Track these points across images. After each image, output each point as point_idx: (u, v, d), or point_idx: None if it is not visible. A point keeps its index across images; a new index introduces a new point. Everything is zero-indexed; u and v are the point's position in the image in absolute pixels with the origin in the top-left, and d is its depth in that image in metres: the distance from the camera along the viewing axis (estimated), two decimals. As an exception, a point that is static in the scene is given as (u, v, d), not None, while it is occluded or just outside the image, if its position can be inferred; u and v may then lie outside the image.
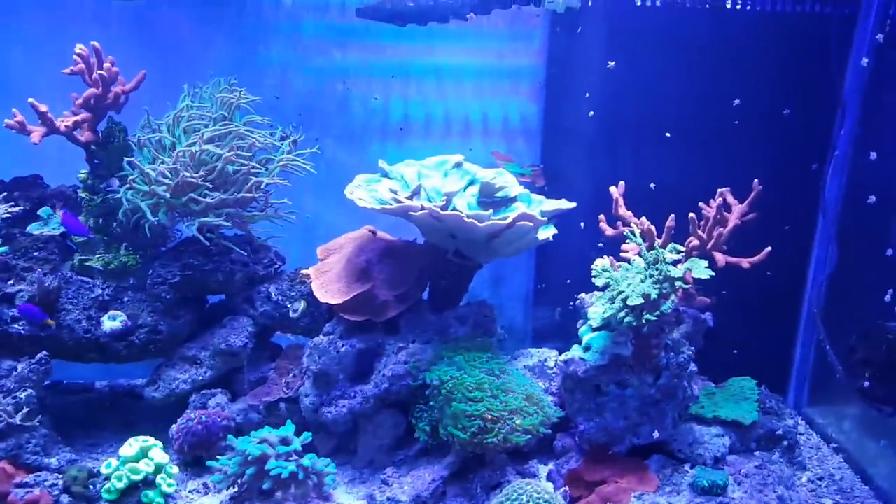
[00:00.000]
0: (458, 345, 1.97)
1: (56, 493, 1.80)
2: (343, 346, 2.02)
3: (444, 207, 1.88)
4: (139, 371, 2.45)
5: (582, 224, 2.21)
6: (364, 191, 1.98)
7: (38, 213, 2.15)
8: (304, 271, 2.28)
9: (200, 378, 2.13)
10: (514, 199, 2.17)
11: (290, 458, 1.83)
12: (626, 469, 1.86)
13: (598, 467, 1.88)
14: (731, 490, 1.81)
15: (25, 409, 1.86)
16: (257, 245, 2.24)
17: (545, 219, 1.93)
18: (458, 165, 2.26)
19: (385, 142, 2.77)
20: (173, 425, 2.07)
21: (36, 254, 2.06)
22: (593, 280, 1.76)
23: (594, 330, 1.81)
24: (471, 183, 2.22)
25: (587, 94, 2.32)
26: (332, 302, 2.03)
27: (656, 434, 1.80)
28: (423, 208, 1.81)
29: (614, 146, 2.39)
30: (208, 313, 2.28)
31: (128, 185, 2.01)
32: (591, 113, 2.29)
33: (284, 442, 1.89)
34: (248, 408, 2.13)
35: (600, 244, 2.16)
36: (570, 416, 1.97)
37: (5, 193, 2.08)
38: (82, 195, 2.13)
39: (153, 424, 2.31)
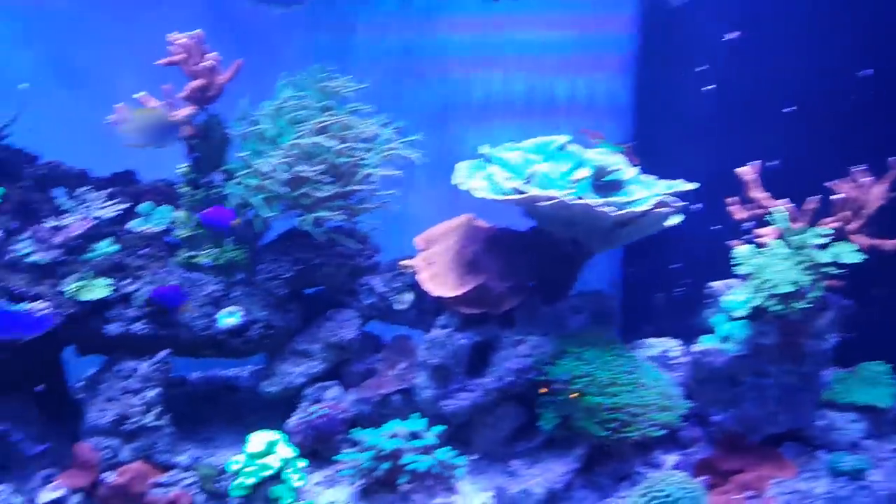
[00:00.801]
0: (583, 338, 1.99)
1: (194, 491, 1.88)
2: (460, 339, 2.04)
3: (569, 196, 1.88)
4: (221, 363, 2.51)
5: (699, 205, 2.19)
6: (478, 180, 1.97)
7: (137, 209, 2.17)
8: (403, 262, 2.29)
9: (313, 371, 2.17)
10: (623, 182, 2.16)
11: (426, 453, 1.89)
12: (761, 457, 1.89)
13: (731, 457, 1.91)
14: (869, 474, 1.85)
15: (158, 409, 1.93)
16: (359, 237, 2.26)
17: (680, 203, 1.92)
18: (561, 147, 2.24)
19: (465, 123, 2.74)
20: (290, 419, 2.13)
21: (144, 251, 2.08)
22: (736, 268, 1.76)
23: (733, 319, 1.82)
24: (578, 165, 2.21)
25: (705, 67, 2.26)
26: (447, 295, 2.05)
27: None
28: (551, 199, 1.80)
29: (730, 123, 2.34)
30: (307, 306, 2.31)
31: (236, 180, 2.03)
32: (709, 87, 2.24)
33: (414, 436, 1.95)
34: (359, 400, 2.19)
35: (717, 227, 2.15)
36: (698, 407, 2.01)
37: (109, 190, 2.10)
38: (183, 190, 2.14)
39: (258, 416, 2.39)
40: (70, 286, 1.88)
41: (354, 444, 2.03)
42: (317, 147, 1.95)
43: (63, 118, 2.22)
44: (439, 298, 2.12)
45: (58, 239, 1.90)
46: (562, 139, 2.23)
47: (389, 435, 1.94)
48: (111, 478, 1.84)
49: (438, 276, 2.10)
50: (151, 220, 2.15)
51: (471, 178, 1.99)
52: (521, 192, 1.82)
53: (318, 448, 2.13)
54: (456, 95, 2.65)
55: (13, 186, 1.96)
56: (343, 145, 1.94)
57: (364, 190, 2.05)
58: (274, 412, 2.28)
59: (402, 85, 2.59)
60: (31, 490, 1.83)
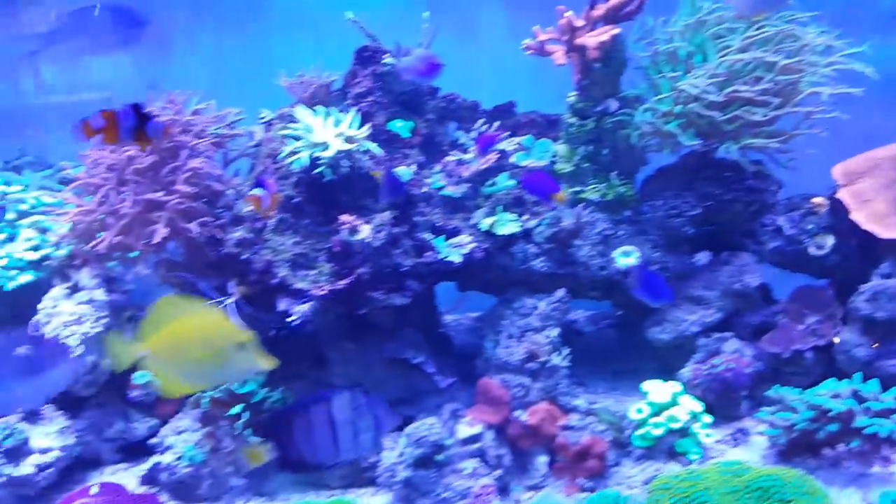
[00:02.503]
0: None
1: (608, 439, 1.93)
2: (917, 290, 1.85)
3: None
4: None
5: None
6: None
7: (520, 142, 2.22)
8: (816, 199, 2.11)
9: (708, 320, 2.10)
10: None
11: (880, 416, 1.75)
12: None
13: None
14: None
15: (566, 351, 1.99)
16: (765, 168, 2.11)
17: None
18: None
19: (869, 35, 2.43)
20: (684, 369, 2.09)
21: (533, 186, 2.14)
22: None
23: None
24: None
25: None
26: (905, 237, 1.85)
27: None
28: None
29: None
30: (695, 247, 2.21)
31: (645, 106, 1.97)
32: None
33: (859, 397, 1.82)
34: (758, 355, 2.09)
35: None
36: None
37: (498, 123, 2.16)
38: (570, 121, 2.14)
39: (621, 362, 2.42)
40: (482, 220, 1.97)
41: (767, 402, 1.95)
42: (754, 63, 1.82)
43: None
44: (878, 242, 1.93)
45: (466, 173, 1.99)
46: None
47: (831, 395, 1.82)
48: (523, 417, 1.95)
49: (885, 217, 1.90)
50: (534, 154, 2.18)
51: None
52: None
53: (716, 403, 2.08)
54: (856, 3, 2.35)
55: (419, 119, 2.09)
56: (791, 60, 1.78)
57: (799, 112, 1.89)
58: (631, 359, 2.33)
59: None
60: (444, 423, 1.98)
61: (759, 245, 2.12)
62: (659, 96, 1.91)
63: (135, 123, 1.32)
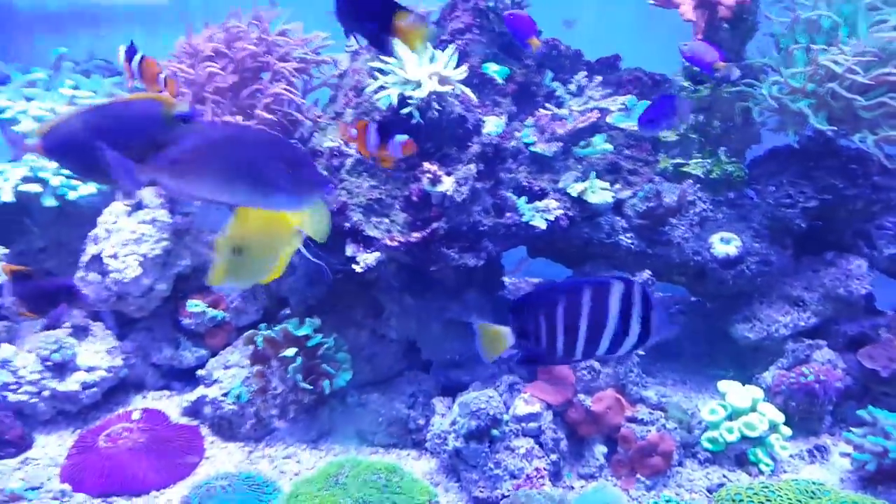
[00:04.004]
0: None
1: (677, 438, 1.86)
2: None
3: None
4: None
5: None
6: None
7: (623, 102, 2.09)
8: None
9: (802, 324, 1.99)
10: None
11: None
12: None
13: None
14: None
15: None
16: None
17: None
18: None
19: None
20: (766, 373, 2.01)
21: (628, 151, 2.02)
22: None
23: None
24: None
25: None
26: None
27: None
28: None
29: None
30: (797, 243, 2.10)
31: (774, 79, 1.83)
32: None
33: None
34: (849, 368, 1.98)
35: None
36: None
37: (600, 78, 2.03)
38: (682, 84, 2.01)
39: (689, 356, 2.35)
40: (572, 185, 1.88)
41: (852, 421, 1.87)
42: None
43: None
44: None
45: (560, 130, 1.89)
46: None
47: (931, 422, 1.73)
48: (588, 402, 1.89)
49: None
50: (634, 116, 2.04)
51: None
52: None
53: (797, 415, 1.99)
54: None
55: (517, 65, 1.97)
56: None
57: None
58: (704, 352, 2.27)
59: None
60: (500, 396, 1.93)
61: (872, 249, 1.99)
62: (792, 70, 1.76)
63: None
